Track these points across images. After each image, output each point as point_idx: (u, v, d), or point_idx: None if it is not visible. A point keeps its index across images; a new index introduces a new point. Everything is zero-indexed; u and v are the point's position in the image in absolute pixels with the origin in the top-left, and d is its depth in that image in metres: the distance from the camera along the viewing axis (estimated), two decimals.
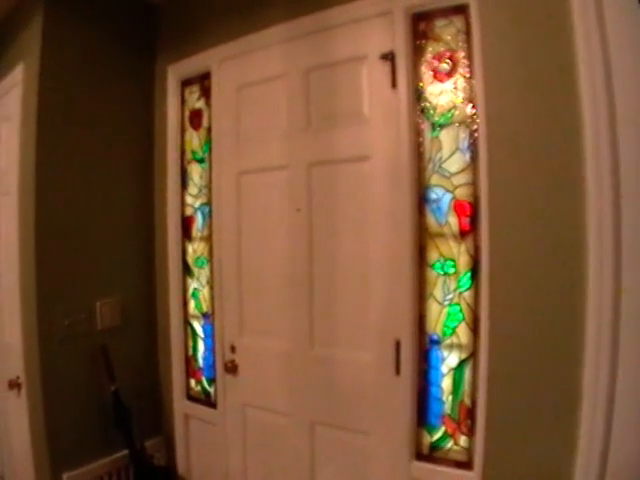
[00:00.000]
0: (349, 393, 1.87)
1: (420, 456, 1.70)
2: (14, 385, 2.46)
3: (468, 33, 1.60)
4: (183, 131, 2.50)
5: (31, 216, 2.21)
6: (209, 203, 2.36)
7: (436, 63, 1.68)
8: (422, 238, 1.70)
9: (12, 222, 2.44)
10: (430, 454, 1.69)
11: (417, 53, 1.70)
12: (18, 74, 2.40)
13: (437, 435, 1.68)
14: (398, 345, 1.72)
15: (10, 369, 2.56)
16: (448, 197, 1.65)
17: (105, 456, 2.39)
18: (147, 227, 2.60)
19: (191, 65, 2.41)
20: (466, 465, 1.60)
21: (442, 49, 1.67)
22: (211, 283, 2.37)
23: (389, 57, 1.70)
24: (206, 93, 2.39)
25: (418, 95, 1.70)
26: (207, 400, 2.40)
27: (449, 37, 1.66)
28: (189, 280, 2.50)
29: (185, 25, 2.49)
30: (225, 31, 2.25)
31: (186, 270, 2.50)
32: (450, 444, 1.66)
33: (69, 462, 2.29)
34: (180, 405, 2.49)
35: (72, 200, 2.32)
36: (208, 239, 2.38)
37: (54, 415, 2.26)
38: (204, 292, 2.43)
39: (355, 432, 1.85)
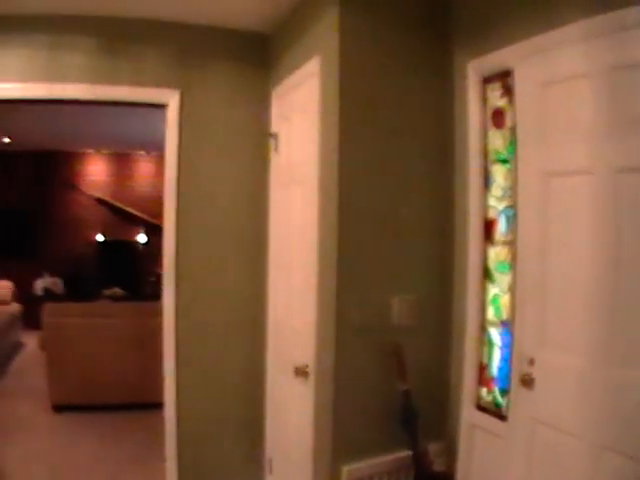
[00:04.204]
0: None
1: None
2: (301, 373, 3.12)
3: None
4: (485, 130, 2.94)
5: (333, 208, 2.85)
6: (513, 206, 2.76)
7: None
8: None
9: (309, 211, 3.11)
10: None
11: None
12: (314, 66, 3.07)
13: None
14: None
15: (296, 356, 3.23)
16: None
17: (386, 454, 2.94)
18: (446, 227, 3.12)
19: (491, 62, 2.84)
20: None
21: None
22: (512, 290, 2.76)
23: None
24: (508, 91, 2.80)
25: None
26: (497, 412, 2.84)
27: None
28: (489, 285, 2.95)
29: (483, 21, 2.90)
30: (525, 27, 2.60)
31: (486, 275, 2.96)
32: None
33: (350, 455, 2.87)
34: (468, 413, 2.98)
35: (371, 193, 2.93)
36: (511, 244, 2.78)
37: (341, 406, 2.85)
38: (504, 299, 2.84)
39: None
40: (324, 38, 3.01)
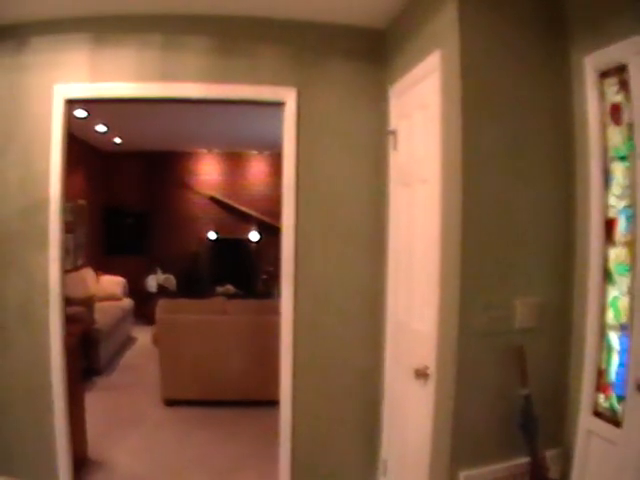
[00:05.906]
0: None
1: None
2: (421, 374, 3.25)
3: None
4: (604, 126, 2.99)
5: (457, 207, 2.97)
6: (633, 205, 2.80)
7: None
8: None
9: (430, 210, 3.23)
10: None
11: None
12: (434, 60, 3.19)
13: None
14: None
15: (416, 357, 3.36)
16: None
17: (503, 461, 3.04)
18: (568, 228, 3.19)
19: (606, 57, 2.88)
20: None
21: None
22: (631, 292, 2.81)
23: None
24: (624, 86, 2.83)
25: None
26: (613, 418, 2.88)
27: None
28: (609, 287, 3.00)
29: (598, 14, 2.95)
30: (637, 22, 2.63)
31: (606, 276, 3.01)
32: None
33: (468, 461, 2.98)
34: (585, 420, 3.03)
35: (494, 192, 3.04)
36: (631, 244, 2.83)
37: (462, 410, 2.96)
38: (623, 301, 2.89)
39: None
40: (444, 32, 3.15)
